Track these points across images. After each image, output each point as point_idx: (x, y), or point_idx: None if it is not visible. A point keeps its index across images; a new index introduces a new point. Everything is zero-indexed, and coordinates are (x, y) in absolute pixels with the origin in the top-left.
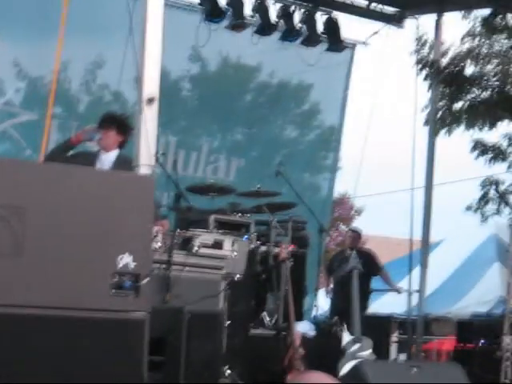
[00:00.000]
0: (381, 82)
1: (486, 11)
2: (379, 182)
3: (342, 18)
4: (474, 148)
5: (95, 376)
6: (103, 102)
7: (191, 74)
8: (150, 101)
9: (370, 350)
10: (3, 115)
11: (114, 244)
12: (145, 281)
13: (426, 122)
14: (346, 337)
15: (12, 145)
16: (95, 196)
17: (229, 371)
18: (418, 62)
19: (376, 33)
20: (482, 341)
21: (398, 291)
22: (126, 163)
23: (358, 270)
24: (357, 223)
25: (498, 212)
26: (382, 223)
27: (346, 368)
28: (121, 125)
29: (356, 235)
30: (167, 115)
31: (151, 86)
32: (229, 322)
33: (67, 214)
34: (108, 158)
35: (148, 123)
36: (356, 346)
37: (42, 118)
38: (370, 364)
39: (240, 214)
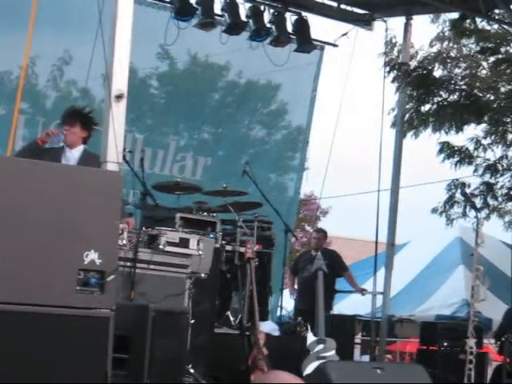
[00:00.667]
0: (349, 84)
1: (455, 15)
2: (346, 183)
3: (312, 19)
4: (441, 151)
5: (58, 373)
6: (70, 99)
7: (159, 72)
8: (119, 97)
9: (334, 351)
10: None
11: (80, 240)
12: (110, 278)
13: (393, 124)
14: (310, 337)
15: None
16: (62, 192)
17: (192, 370)
18: (387, 64)
19: (345, 34)
20: (445, 343)
21: (362, 293)
22: (91, 159)
23: (323, 270)
24: (322, 224)
25: (463, 215)
26: (347, 225)
27: (309, 368)
28: (85, 120)
29: (321, 236)
30: (134, 113)
31: (119, 82)
32: (193, 321)
33: (33, 210)
34: (73, 155)
35: (116, 120)
36: (320, 347)
37: (9, 113)
38: (333, 364)
39: (206, 213)
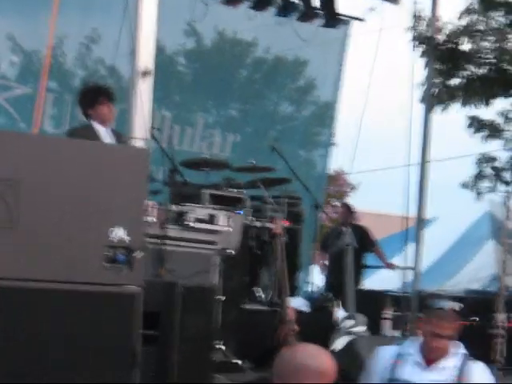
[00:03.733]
0: (377, 59)
1: None
2: (375, 158)
3: None
4: (471, 125)
5: (86, 350)
6: (98, 77)
7: (186, 49)
8: (145, 74)
9: (364, 326)
10: None
11: (106, 217)
12: (137, 254)
13: (422, 99)
14: (340, 313)
15: (6, 118)
16: (88, 169)
17: (222, 346)
18: (415, 38)
19: (372, 9)
20: (475, 317)
21: (392, 268)
22: (119, 136)
23: (352, 246)
24: (352, 200)
25: (492, 189)
26: (376, 200)
27: (339, 343)
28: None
29: (345, 210)
30: (162, 90)
31: (146, 59)
32: (223, 297)
33: (60, 187)
34: (108, 132)
35: (143, 97)
36: (350, 322)
37: (36, 92)
38: (363, 340)
39: (235, 189)
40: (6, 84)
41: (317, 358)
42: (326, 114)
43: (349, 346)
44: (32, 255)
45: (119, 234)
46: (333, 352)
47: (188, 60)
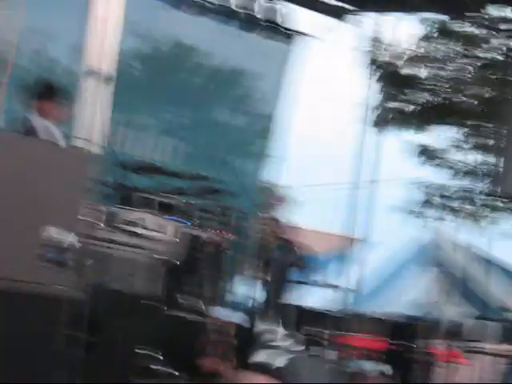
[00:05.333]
0: (323, 76)
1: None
2: (315, 174)
3: (285, 7)
4: (422, 153)
5: (13, 348)
6: (51, 75)
7: (140, 54)
8: (107, 79)
9: (301, 345)
10: None
11: (41, 216)
12: (70, 255)
13: (375, 122)
14: (277, 329)
15: None
16: (25, 166)
17: (149, 352)
18: (371, 62)
19: (319, 25)
20: (411, 343)
21: (327, 285)
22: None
23: (286, 261)
24: (290, 214)
25: (440, 218)
26: (316, 217)
27: (277, 362)
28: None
29: (282, 225)
30: (115, 94)
31: (99, 59)
32: (155, 304)
33: None
34: (55, 129)
35: (93, 98)
36: (287, 340)
37: None
38: (304, 360)
39: (172, 196)
40: None
41: None
42: (266, 126)
43: (286, 365)
44: None
45: (52, 233)
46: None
47: (141, 65)
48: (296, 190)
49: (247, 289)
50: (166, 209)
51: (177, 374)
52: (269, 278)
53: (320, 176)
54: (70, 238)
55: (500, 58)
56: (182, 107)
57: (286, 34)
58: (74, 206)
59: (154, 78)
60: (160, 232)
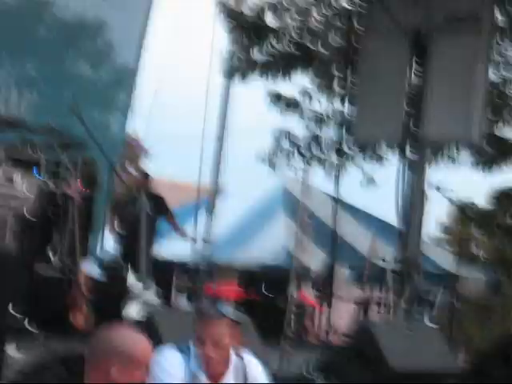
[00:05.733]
0: (178, 25)
1: None
2: (171, 124)
3: None
4: (273, 101)
5: None
6: None
7: None
8: None
9: (158, 297)
10: None
11: None
12: None
13: (226, 72)
14: (133, 281)
15: None
16: None
17: (14, 311)
18: (220, 9)
19: None
20: (267, 292)
21: (185, 236)
22: None
23: (147, 212)
24: (146, 165)
25: (289, 165)
26: (170, 167)
27: (134, 312)
28: None
29: (143, 177)
30: None
31: None
32: (15, 260)
33: None
34: None
35: None
36: (145, 291)
37: None
38: (161, 312)
39: (30, 151)
40: None
41: (129, 342)
42: (124, 79)
43: (147, 318)
44: None
45: None
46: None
47: None
48: (154, 141)
49: (108, 243)
50: (16, 163)
51: (35, 331)
52: (127, 231)
53: (179, 127)
54: None
55: (348, 7)
56: (36, 60)
57: None
58: None
59: (7, 29)
60: (11, 188)
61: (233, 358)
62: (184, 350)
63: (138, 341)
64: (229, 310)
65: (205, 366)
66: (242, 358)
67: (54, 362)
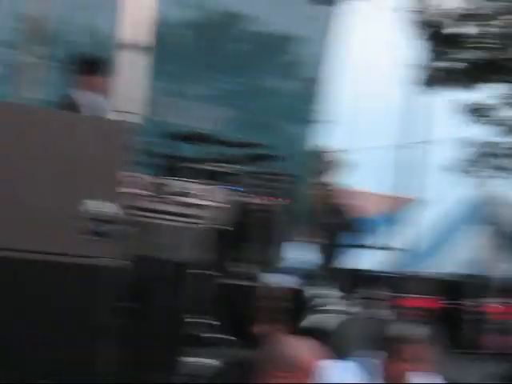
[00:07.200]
0: (368, 37)
1: None
2: (367, 137)
3: None
4: (472, 110)
5: (59, 320)
6: (92, 46)
7: (180, 21)
8: (146, 48)
9: (356, 306)
10: None
11: (80, 189)
12: (111, 226)
13: (424, 81)
14: (329, 291)
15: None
16: (65, 139)
17: (200, 320)
18: (418, 21)
19: None
20: (465, 302)
21: (380, 247)
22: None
23: (340, 224)
24: (341, 177)
25: (490, 176)
26: (368, 179)
27: (329, 322)
28: None
29: (336, 188)
30: (154, 61)
31: (140, 29)
32: (203, 271)
33: (35, 157)
34: (98, 100)
35: (134, 68)
36: (341, 303)
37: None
38: (357, 321)
39: (222, 164)
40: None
41: (295, 350)
42: (311, 90)
43: (342, 325)
44: (6, 225)
45: (94, 205)
46: (324, 330)
47: (181, 31)
48: (347, 152)
49: (299, 253)
50: (214, 177)
51: (233, 338)
52: (321, 242)
53: (372, 138)
54: (112, 209)
55: None
56: (228, 74)
57: None
58: (115, 178)
59: (200, 45)
60: (209, 200)
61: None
62: (363, 363)
63: (303, 348)
64: (426, 330)
65: (384, 380)
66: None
67: (232, 366)
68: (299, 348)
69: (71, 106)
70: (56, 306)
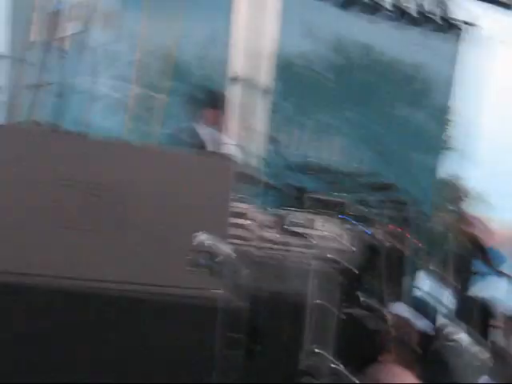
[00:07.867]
0: (494, 64)
1: None
2: (501, 167)
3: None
4: None
5: (166, 351)
6: (211, 79)
7: (302, 51)
8: (266, 91)
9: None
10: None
11: (190, 222)
12: (220, 259)
13: None
14: (464, 337)
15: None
16: (175, 176)
17: (319, 350)
18: None
19: (485, 14)
20: None
21: (503, 275)
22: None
23: (477, 253)
24: (474, 207)
25: None
26: (500, 208)
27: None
28: None
29: (469, 219)
30: (276, 91)
31: (255, 63)
32: (321, 302)
33: (147, 192)
34: (216, 135)
35: (252, 102)
36: (473, 347)
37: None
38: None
39: (339, 194)
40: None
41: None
42: (441, 118)
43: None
44: (117, 257)
45: (202, 238)
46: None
47: (303, 61)
48: (481, 182)
49: (431, 288)
50: (336, 209)
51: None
52: (454, 276)
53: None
54: (223, 248)
55: None
56: (354, 105)
57: (455, 26)
58: (223, 213)
59: (325, 76)
60: (331, 234)
61: None
62: None
63: (402, 378)
64: None
65: None
66: None
67: None
68: (398, 376)
69: (195, 140)
70: (163, 334)
